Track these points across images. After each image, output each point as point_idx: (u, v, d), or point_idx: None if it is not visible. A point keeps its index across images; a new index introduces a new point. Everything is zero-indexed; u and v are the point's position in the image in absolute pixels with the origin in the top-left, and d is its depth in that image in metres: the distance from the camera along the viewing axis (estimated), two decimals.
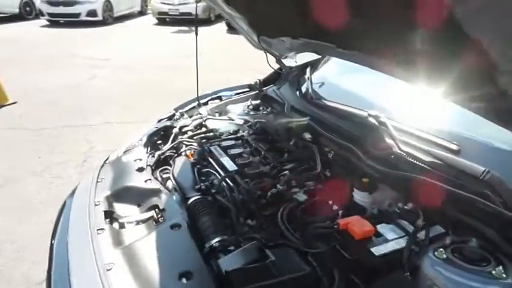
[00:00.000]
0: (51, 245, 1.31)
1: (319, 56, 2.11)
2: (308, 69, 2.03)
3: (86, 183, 1.51)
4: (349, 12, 1.04)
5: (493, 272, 0.88)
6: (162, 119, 1.97)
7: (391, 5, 0.92)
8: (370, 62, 1.26)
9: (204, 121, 1.87)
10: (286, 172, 1.37)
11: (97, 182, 1.47)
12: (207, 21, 11.59)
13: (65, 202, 1.53)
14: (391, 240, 1.03)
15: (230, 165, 1.44)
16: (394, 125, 1.34)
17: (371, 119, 1.38)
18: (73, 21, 11.54)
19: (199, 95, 2.06)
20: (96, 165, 1.63)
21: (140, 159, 1.57)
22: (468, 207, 1.03)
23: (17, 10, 12.53)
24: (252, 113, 1.92)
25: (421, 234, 1.02)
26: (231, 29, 10.28)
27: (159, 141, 1.79)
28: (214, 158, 1.52)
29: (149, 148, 1.72)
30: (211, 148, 1.58)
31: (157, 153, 1.64)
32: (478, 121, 1.07)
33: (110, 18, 12.22)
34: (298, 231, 1.12)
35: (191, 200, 1.29)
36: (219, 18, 11.88)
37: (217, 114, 1.96)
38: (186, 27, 10.96)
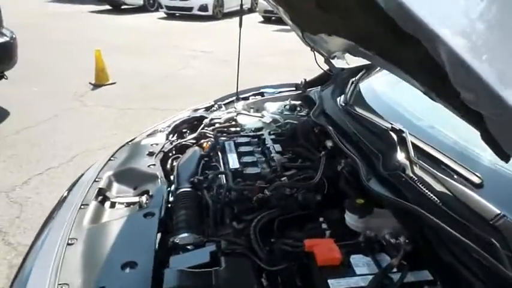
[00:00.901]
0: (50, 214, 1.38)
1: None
2: (359, 75, 1.85)
3: (102, 160, 1.57)
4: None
5: None
6: (198, 109, 1.97)
7: None
8: (388, 66, 1.07)
9: (236, 116, 1.82)
10: (284, 178, 1.24)
11: (109, 159, 1.52)
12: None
13: (82, 174, 1.61)
14: (357, 275, 0.86)
15: (233, 162, 1.37)
16: (416, 144, 1.12)
17: (392, 133, 1.18)
18: (186, 15, 12.42)
19: (240, 89, 2.01)
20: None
21: (157, 144, 1.58)
22: (467, 256, 0.81)
23: (141, 2, 13.96)
24: (286, 112, 1.80)
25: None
26: None
27: (184, 130, 1.78)
28: (223, 153, 1.46)
29: (173, 135, 1.73)
30: (226, 143, 1.52)
31: (177, 141, 1.64)
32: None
33: (219, 14, 12.87)
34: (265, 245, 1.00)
35: (178, 191, 1.25)
36: None
37: (252, 110, 1.89)
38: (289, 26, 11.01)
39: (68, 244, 1.04)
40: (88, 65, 5.82)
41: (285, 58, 7.26)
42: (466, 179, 0.96)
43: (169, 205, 1.23)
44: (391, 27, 0.64)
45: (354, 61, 1.89)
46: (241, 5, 2.22)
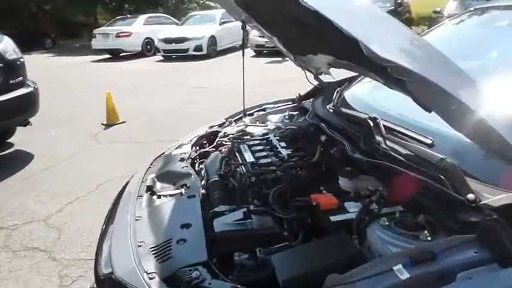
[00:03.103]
0: (110, 210, 1.73)
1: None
2: (344, 85, 2.26)
3: (142, 169, 1.94)
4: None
5: (420, 236, 1.03)
6: (213, 126, 2.35)
7: None
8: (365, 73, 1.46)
9: (245, 127, 2.20)
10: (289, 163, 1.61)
11: (149, 167, 1.89)
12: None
13: (127, 182, 1.98)
14: (350, 212, 1.21)
15: (249, 158, 1.74)
16: (386, 125, 1.50)
17: (368, 120, 1.56)
18: (182, 56, 13.10)
19: (247, 107, 2.41)
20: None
21: (185, 153, 1.96)
22: (426, 190, 1.17)
23: (139, 48, 14.72)
24: (286, 121, 2.19)
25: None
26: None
27: (205, 142, 2.16)
28: (240, 153, 1.83)
29: (196, 146, 2.11)
30: (240, 146, 1.90)
31: (200, 150, 2.02)
32: None
33: (213, 52, 13.58)
34: (282, 205, 1.36)
35: (210, 180, 1.61)
36: None
37: (257, 123, 2.28)
38: (280, 57, 11.62)
39: (136, 220, 1.39)
40: (98, 107, 6.28)
41: (279, 85, 7.75)
42: (422, 142, 1.33)
43: (203, 191, 1.58)
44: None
45: (338, 75, 2.32)
46: (244, 38, 2.65)
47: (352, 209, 1.24)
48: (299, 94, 2.40)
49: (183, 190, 1.62)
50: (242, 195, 1.51)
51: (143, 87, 8.81)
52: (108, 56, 14.98)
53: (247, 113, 2.42)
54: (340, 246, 1.08)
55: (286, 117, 2.24)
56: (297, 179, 1.48)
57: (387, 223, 1.11)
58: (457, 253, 0.93)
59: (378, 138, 1.46)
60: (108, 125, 5.99)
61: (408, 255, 0.93)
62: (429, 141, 1.32)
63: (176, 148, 2.09)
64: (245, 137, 2.04)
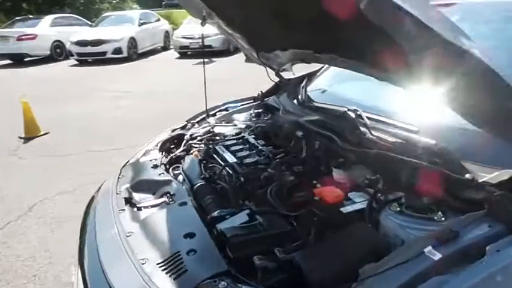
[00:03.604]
0: (82, 228, 1.56)
1: (316, 69, 2.38)
2: (305, 80, 2.30)
3: (109, 181, 1.78)
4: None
5: (435, 217, 1.08)
6: (175, 129, 2.24)
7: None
8: (344, 64, 1.50)
9: (212, 128, 2.13)
10: (278, 160, 1.60)
11: (119, 177, 1.73)
12: (225, 53, 12.13)
13: (92, 196, 1.80)
14: (358, 202, 1.24)
15: (231, 158, 1.69)
16: (368, 116, 1.56)
17: (349, 113, 1.60)
18: (100, 60, 12.32)
19: (208, 107, 2.34)
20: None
21: (155, 159, 1.84)
22: (422, 173, 1.23)
23: (48, 52, 13.50)
24: (254, 119, 2.17)
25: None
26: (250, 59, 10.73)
27: (172, 146, 2.05)
28: (218, 154, 1.77)
29: (163, 152, 1.99)
30: (216, 147, 1.83)
31: (171, 155, 1.91)
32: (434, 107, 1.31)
33: (134, 55, 12.98)
34: (284, 203, 1.34)
35: (196, 185, 1.53)
36: (238, 49, 12.37)
37: (223, 123, 2.22)
38: (207, 58, 11.51)
39: (127, 236, 1.27)
40: (12, 119, 5.65)
41: (216, 86, 7.68)
42: (408, 130, 1.41)
43: (190, 197, 1.49)
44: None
45: (297, 71, 2.36)
46: (203, 40, 2.56)
47: (358, 199, 1.26)
48: (261, 92, 2.39)
49: (166, 199, 1.52)
50: (236, 197, 1.45)
51: (63, 94, 8.11)
52: (8, 61, 13.47)
53: (210, 113, 2.35)
54: (363, 236, 1.10)
55: (253, 115, 2.22)
56: (292, 176, 1.47)
57: (398, 209, 1.14)
58: (475, 229, 0.99)
59: (363, 129, 1.51)
60: (27, 138, 5.41)
61: (434, 237, 0.97)
62: (415, 129, 1.39)
63: (143, 155, 1.95)
64: (218, 138, 1.97)
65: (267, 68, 2.26)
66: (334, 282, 0.96)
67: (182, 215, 1.35)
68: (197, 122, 2.29)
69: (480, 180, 1.12)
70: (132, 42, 12.97)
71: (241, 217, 1.27)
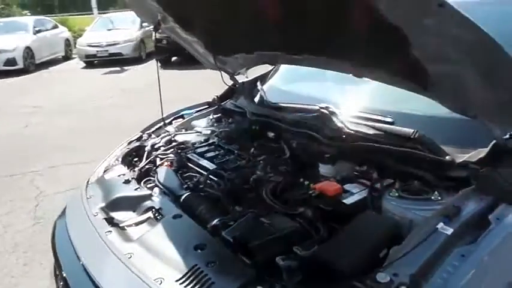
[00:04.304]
0: (56, 259, 1.40)
1: (267, 71, 2.43)
2: (258, 82, 2.33)
3: (74, 203, 1.62)
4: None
5: (432, 197, 1.19)
6: (131, 141, 2.11)
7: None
8: (317, 62, 1.56)
9: (173, 137, 2.06)
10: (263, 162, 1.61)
11: (87, 198, 1.59)
12: (138, 60, 11.66)
13: (55, 223, 1.62)
14: (356, 193, 1.31)
15: (210, 165, 1.65)
16: (341, 112, 1.65)
17: (323, 110, 1.68)
18: None
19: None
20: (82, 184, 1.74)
21: (123, 174, 1.71)
22: (407, 160, 1.34)
23: None
24: (216, 124, 2.14)
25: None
26: (165, 64, 10.49)
27: (135, 159, 1.94)
28: (193, 163, 1.72)
29: (126, 166, 1.87)
30: (188, 156, 1.78)
31: (137, 168, 1.80)
32: (404, 98, 1.44)
33: (31, 66, 11.77)
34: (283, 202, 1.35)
35: (183, 196, 1.47)
36: (150, 56, 12.00)
37: (183, 130, 2.16)
38: (118, 67, 10.94)
39: (129, 258, 1.17)
40: None
41: (131, 96, 7.36)
42: (384, 122, 1.52)
43: (179, 209, 1.43)
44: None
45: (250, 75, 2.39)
46: (155, 41, 2.44)
47: (355, 190, 1.33)
48: (217, 96, 2.37)
49: (151, 214, 1.43)
50: (229, 203, 1.43)
51: None
52: None
53: (165, 121, 2.26)
54: (375, 222, 1.16)
55: (213, 120, 2.19)
56: (280, 176, 1.49)
57: (397, 194, 1.24)
58: (471, 203, 1.12)
59: (339, 124, 1.60)
60: None
61: (441, 214, 1.08)
62: (390, 120, 1.51)
63: (105, 171, 1.81)
64: (186, 146, 1.91)
65: (222, 72, 2.25)
66: (361, 269, 1.01)
67: (182, 228, 1.29)
68: (153, 132, 2.18)
69: (461, 160, 1.26)
70: (28, 52, 11.73)
71: (247, 222, 1.25)
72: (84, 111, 6.82)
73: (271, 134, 1.85)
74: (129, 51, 11.77)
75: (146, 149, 1.97)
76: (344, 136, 1.53)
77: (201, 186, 1.53)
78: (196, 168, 1.68)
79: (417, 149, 1.34)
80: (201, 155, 1.76)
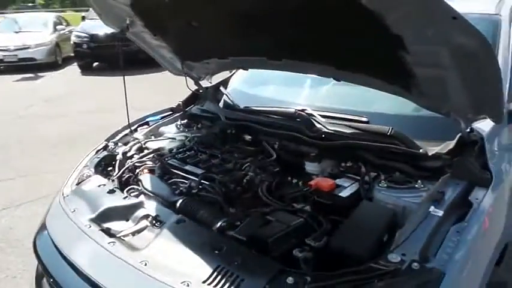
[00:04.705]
0: (51, 277, 1.32)
1: (229, 75, 2.48)
2: (221, 87, 2.39)
3: (56, 218, 1.53)
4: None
5: (416, 186, 1.36)
6: (98, 150, 2.03)
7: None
8: (301, 67, 1.67)
9: (144, 144, 2.02)
10: (247, 164, 1.67)
11: (72, 211, 1.51)
12: (53, 66, 10.80)
13: (35, 239, 1.52)
14: (347, 186, 1.43)
15: (196, 170, 1.67)
16: (319, 113, 1.78)
17: (302, 113, 1.79)
18: None
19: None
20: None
21: (104, 185, 1.65)
22: (387, 155, 1.51)
23: None
24: (187, 130, 2.14)
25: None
26: (86, 70, 9.90)
27: (109, 169, 1.87)
28: (178, 169, 1.72)
29: (102, 176, 1.79)
30: (170, 162, 1.77)
31: (115, 177, 1.74)
32: (377, 99, 1.61)
33: None
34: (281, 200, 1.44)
35: (179, 202, 1.47)
36: (67, 61, 11.20)
37: (153, 137, 2.12)
38: (32, 73, 10.03)
39: (145, 265, 1.16)
40: None
41: (51, 105, 6.84)
42: (358, 121, 1.68)
43: (178, 215, 1.43)
44: None
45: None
46: (121, 48, 2.34)
47: (345, 184, 1.45)
48: (181, 102, 2.36)
49: (147, 222, 1.42)
50: (226, 204, 1.47)
51: None
52: None
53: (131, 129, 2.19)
54: (376, 211, 1.30)
55: (183, 125, 2.19)
56: (271, 175, 1.57)
57: (386, 185, 1.39)
58: (450, 188, 1.31)
59: (318, 125, 1.72)
60: None
61: (429, 200, 1.24)
62: (365, 119, 1.68)
63: (79, 184, 1.72)
64: (164, 153, 1.89)
65: (187, 77, 2.26)
66: (372, 253, 1.13)
67: (189, 232, 1.30)
68: (119, 140, 2.11)
69: (433, 152, 1.45)
70: None
71: (255, 220, 1.31)
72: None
73: (247, 137, 1.92)
74: (42, 56, 10.84)
75: (118, 157, 1.91)
76: (325, 136, 1.66)
77: (194, 190, 1.54)
78: (182, 174, 1.68)
79: (394, 144, 1.52)
80: (183, 160, 1.77)
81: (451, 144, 1.44)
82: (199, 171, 1.66)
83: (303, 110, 1.81)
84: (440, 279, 0.99)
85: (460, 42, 1.01)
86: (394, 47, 1.19)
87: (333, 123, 1.72)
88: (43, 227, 1.53)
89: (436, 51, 1.10)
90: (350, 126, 1.67)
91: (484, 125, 1.46)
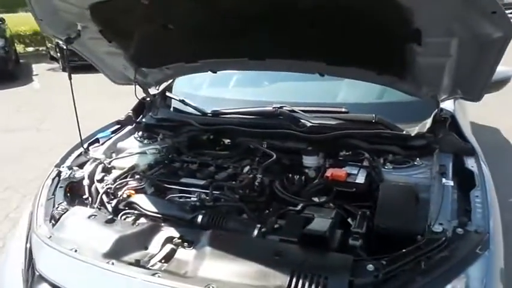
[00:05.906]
0: None
1: (170, 80, 2.35)
2: (168, 93, 2.25)
3: (60, 264, 1.26)
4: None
5: (416, 163, 1.54)
6: (53, 179, 1.72)
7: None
8: (286, 66, 1.68)
9: (109, 164, 1.79)
10: (248, 167, 1.64)
11: (75, 251, 1.27)
12: None
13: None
14: (357, 173, 1.54)
15: (196, 181, 1.57)
16: (299, 109, 1.83)
17: (283, 110, 1.82)
18: None
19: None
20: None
21: (95, 215, 1.43)
22: (377, 139, 1.66)
23: None
24: (150, 141, 1.97)
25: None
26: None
27: (84, 196, 1.61)
28: (172, 183, 1.59)
29: (79, 205, 1.55)
30: (159, 178, 1.63)
31: (98, 204, 1.54)
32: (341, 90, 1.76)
33: None
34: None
35: (199, 217, 1.38)
36: None
37: (114, 155, 1.89)
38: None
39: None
40: None
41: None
42: (341, 112, 1.80)
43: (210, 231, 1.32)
44: None
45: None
46: (67, 57, 1.95)
47: (353, 171, 1.55)
48: (130, 113, 2.14)
49: (172, 245, 1.29)
50: (249, 209, 1.44)
51: None
52: None
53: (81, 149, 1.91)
54: (399, 190, 1.41)
55: (143, 137, 2.00)
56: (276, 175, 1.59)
57: (391, 166, 1.54)
58: (443, 160, 1.52)
59: (302, 120, 1.79)
60: None
61: (438, 173, 1.42)
62: (345, 110, 1.80)
63: (51, 218, 1.46)
64: (140, 170, 1.71)
65: (136, 85, 2.06)
66: (416, 227, 1.23)
67: (230, 245, 1.22)
68: (72, 163, 1.82)
69: (415, 132, 1.65)
70: None
71: (298, 220, 1.31)
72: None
73: (227, 141, 1.88)
74: None
75: (84, 182, 1.67)
76: (314, 129, 1.73)
77: (209, 203, 1.46)
78: (180, 188, 1.57)
79: (381, 129, 1.68)
80: (175, 173, 1.65)
81: (427, 123, 1.67)
82: (200, 182, 1.57)
83: (281, 107, 1.84)
84: (488, 238, 1.15)
85: (486, 32, 1.14)
86: (403, 40, 1.31)
87: (316, 117, 1.80)
88: (32, 278, 1.25)
89: (448, 42, 1.24)
90: (334, 118, 1.77)
91: (447, 104, 1.73)
